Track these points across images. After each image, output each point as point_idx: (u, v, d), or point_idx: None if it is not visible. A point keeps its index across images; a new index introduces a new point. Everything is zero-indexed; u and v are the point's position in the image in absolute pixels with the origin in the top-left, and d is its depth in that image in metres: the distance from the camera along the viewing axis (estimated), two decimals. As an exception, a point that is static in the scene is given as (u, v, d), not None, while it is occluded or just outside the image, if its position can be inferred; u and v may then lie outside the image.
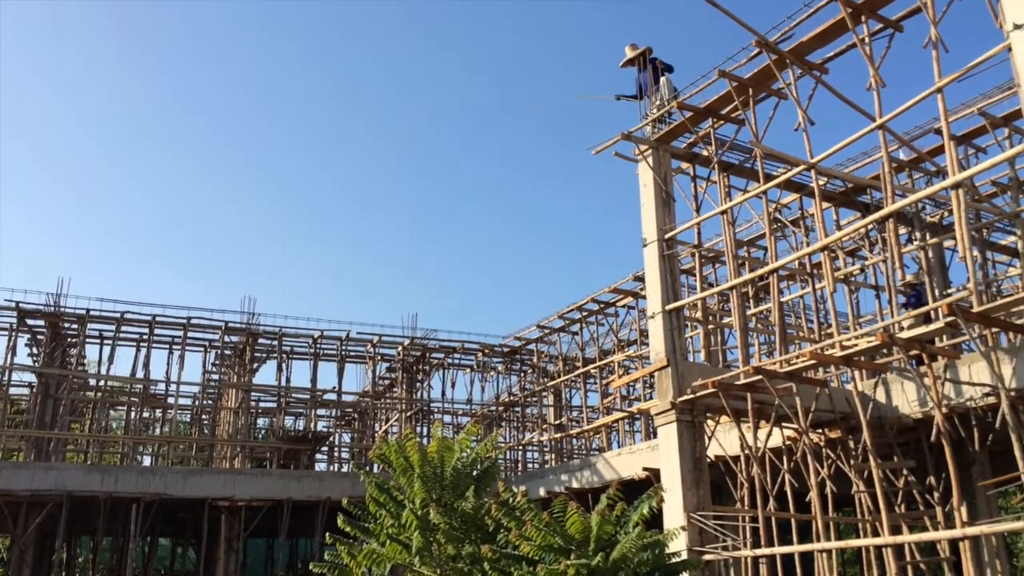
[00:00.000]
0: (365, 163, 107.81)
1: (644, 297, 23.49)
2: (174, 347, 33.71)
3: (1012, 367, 13.09)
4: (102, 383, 34.88)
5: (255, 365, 35.14)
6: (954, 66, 12.47)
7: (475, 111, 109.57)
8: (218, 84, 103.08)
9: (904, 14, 13.69)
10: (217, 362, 36.43)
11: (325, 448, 39.88)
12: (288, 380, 35.16)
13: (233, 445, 34.67)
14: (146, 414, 39.17)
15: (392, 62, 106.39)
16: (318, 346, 34.87)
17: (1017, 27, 10.95)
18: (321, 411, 38.97)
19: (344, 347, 35.40)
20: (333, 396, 36.19)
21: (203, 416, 39.58)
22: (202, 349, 35.13)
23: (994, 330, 14.57)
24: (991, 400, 13.06)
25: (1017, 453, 11.58)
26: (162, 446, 35.88)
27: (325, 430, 39.66)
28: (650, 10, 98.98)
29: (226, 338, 34.12)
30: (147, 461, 38.81)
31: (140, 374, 33.07)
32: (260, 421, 45.52)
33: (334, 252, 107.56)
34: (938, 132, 15.45)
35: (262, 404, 42.11)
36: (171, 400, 34.75)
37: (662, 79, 17.39)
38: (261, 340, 34.52)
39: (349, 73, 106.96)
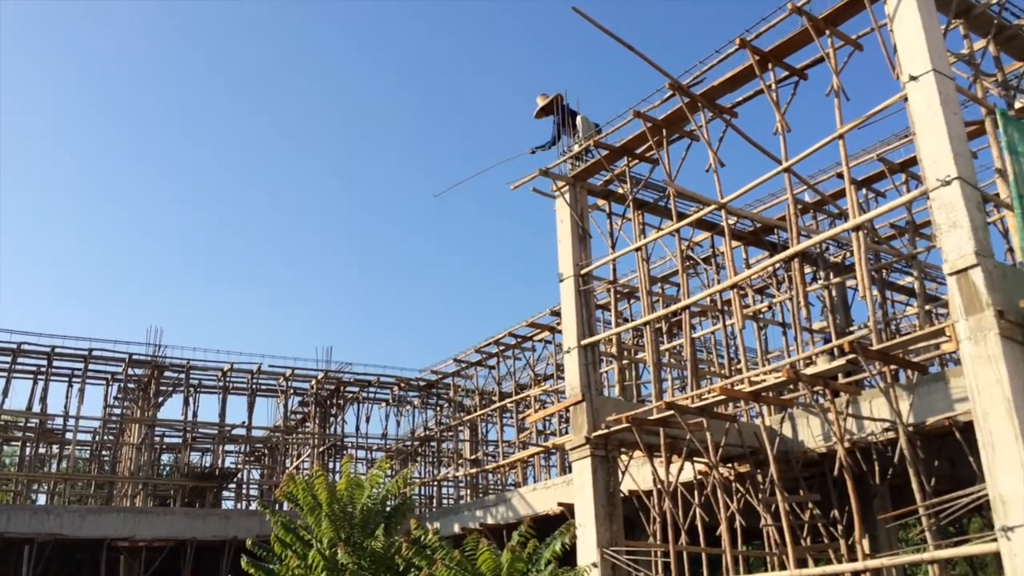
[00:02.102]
0: (278, 190, 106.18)
1: (561, 331, 23.67)
2: (74, 380, 32.37)
3: (909, 403, 13.60)
4: (-6, 417, 33.14)
5: (160, 399, 33.95)
6: (855, 114, 13.09)
7: (398, 144, 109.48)
8: (126, 107, 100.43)
9: (808, 63, 14.29)
10: (120, 395, 35.03)
11: (232, 485, 38.63)
12: (195, 414, 34.23)
13: (135, 482, 33.29)
14: (42, 450, 37.26)
15: (306, 77, 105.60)
16: (228, 379, 33.93)
17: (912, 78, 11.55)
18: (229, 447, 37.84)
19: (255, 380, 34.54)
20: (242, 431, 35.23)
21: (103, 452, 37.91)
22: (104, 382, 33.80)
23: (893, 367, 15.14)
24: (891, 435, 13.51)
25: (915, 487, 12.01)
26: (59, 484, 34.22)
27: (233, 467, 38.47)
28: (565, 54, 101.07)
29: (130, 371, 32.96)
30: (42, 500, 36.84)
31: (37, 408, 31.60)
32: (164, 457, 43.80)
33: (246, 283, 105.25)
34: (840, 176, 16.09)
35: (167, 439, 40.51)
36: (69, 435, 33.27)
37: (579, 117, 17.71)
38: (167, 373, 33.44)
39: (261, 94, 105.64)
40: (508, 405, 32.64)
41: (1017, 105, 14.11)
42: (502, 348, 32.31)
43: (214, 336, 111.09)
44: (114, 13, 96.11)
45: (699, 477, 15.54)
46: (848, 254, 19.46)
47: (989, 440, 9.97)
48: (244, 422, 34.74)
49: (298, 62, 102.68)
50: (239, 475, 38.89)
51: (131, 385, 34.68)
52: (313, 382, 35.17)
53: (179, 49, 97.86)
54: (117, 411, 35.58)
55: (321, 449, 34.91)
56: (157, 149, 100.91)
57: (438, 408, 38.69)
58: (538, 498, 23.31)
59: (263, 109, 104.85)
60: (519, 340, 31.56)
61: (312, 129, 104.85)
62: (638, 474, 16.09)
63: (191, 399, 33.86)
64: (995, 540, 9.88)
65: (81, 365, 31.67)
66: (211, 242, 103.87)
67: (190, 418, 33.93)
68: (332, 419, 35.99)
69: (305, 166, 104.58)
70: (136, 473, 33.33)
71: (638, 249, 16.70)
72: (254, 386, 34.58)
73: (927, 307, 17.58)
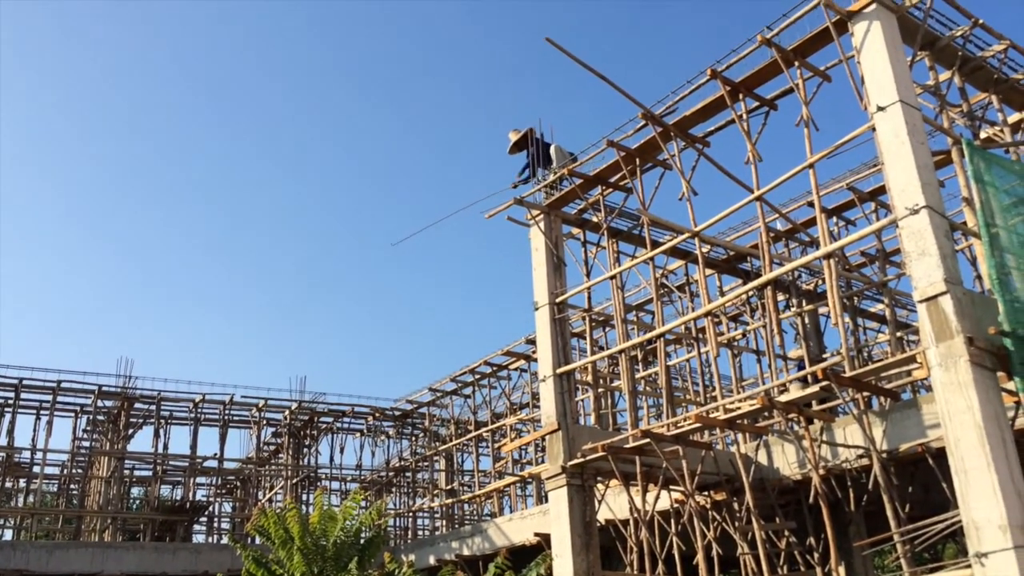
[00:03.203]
0: (252, 217, 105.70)
1: (536, 360, 23.64)
2: (42, 412, 31.80)
3: (882, 430, 13.68)
4: (-41, 451, 32.39)
5: (130, 431, 33.43)
6: (825, 143, 13.27)
7: (374, 170, 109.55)
8: (95, 130, 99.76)
9: (778, 94, 14.51)
10: (89, 428, 34.46)
11: (204, 519, 37.98)
12: (166, 447, 33.76)
13: (104, 517, 32.64)
14: (8, 484, 36.46)
15: (281, 102, 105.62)
16: (199, 411, 33.50)
17: (880, 109, 11.76)
18: (201, 479, 37.28)
19: (227, 411, 34.12)
20: (214, 463, 34.71)
21: (71, 486, 37.19)
22: (73, 414, 33.22)
23: (865, 394, 15.24)
24: (864, 462, 13.57)
25: (889, 513, 12.04)
26: (25, 518, 33.35)
27: (204, 500, 37.84)
28: (539, 84, 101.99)
29: (99, 403, 32.44)
30: (8, 535, 35.95)
31: (3, 441, 30.99)
32: (134, 490, 43.06)
33: (218, 312, 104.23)
34: (811, 204, 16.29)
35: (137, 472, 39.81)
36: (37, 469, 32.62)
37: (553, 147, 17.83)
38: (137, 404, 32.97)
39: (236, 116, 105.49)
40: (484, 434, 32.45)
41: (982, 135, 14.40)
42: (478, 377, 32.18)
43: (186, 367, 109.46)
44: (90, 28, 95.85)
45: (675, 505, 15.50)
46: (820, 282, 19.65)
47: (961, 466, 10.03)
48: (216, 454, 34.29)
49: (275, 85, 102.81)
50: (210, 508, 38.25)
51: (100, 417, 34.15)
52: (286, 413, 34.80)
53: (153, 64, 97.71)
54: (86, 444, 35.02)
55: (294, 481, 34.47)
56: (129, 176, 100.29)
57: (413, 438, 38.41)
58: (514, 528, 23.12)
59: (237, 132, 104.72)
60: (495, 369, 31.46)
61: (285, 154, 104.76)
62: (614, 503, 16.02)
63: (162, 431, 33.40)
64: (969, 567, 9.90)
65: (49, 397, 31.15)
66: (183, 272, 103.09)
67: (161, 450, 33.44)
68: (306, 450, 35.60)
69: (279, 192, 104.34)
70: (105, 507, 32.72)
71: (613, 277, 16.76)
72: (226, 417, 34.15)
73: (898, 334, 17.75)
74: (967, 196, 12.89)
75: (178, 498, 37.87)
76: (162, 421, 33.43)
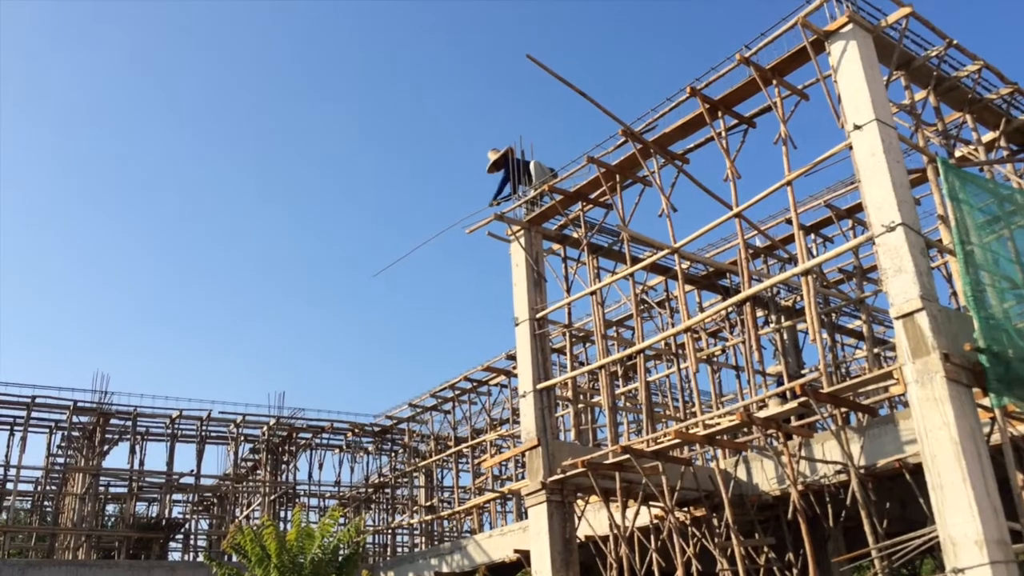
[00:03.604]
0: (229, 233, 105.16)
1: (516, 375, 23.62)
2: (15, 428, 31.34)
3: (860, 445, 13.76)
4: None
5: (106, 447, 33.00)
6: (803, 160, 13.41)
7: (349, 185, 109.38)
8: (65, 149, 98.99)
9: (757, 112, 14.65)
10: (63, 444, 33.98)
11: (180, 536, 37.51)
12: (142, 463, 33.40)
13: (78, 534, 32.15)
14: (-20, 501, 35.92)
15: (257, 119, 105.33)
16: (176, 426, 33.15)
17: (857, 128, 11.89)
18: (177, 496, 36.86)
19: (205, 427, 33.79)
20: (191, 480, 34.33)
21: (45, 503, 36.63)
22: (47, 430, 32.79)
23: (843, 410, 15.33)
24: (843, 477, 13.63)
25: (867, 529, 12.09)
26: (-3, 536, 32.87)
27: (181, 516, 37.43)
28: (521, 100, 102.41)
29: (74, 418, 32.00)
30: (-21, 554, 35.38)
31: (-25, 458, 30.47)
32: (109, 507, 42.47)
33: (195, 326, 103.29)
34: (789, 221, 16.41)
35: (112, 489, 39.28)
36: (10, 486, 32.09)
37: (533, 163, 17.88)
38: (113, 420, 32.55)
39: (210, 134, 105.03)
40: (464, 450, 32.31)
41: (957, 154, 14.59)
42: (458, 392, 32.05)
43: (162, 382, 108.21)
44: (78, 55, 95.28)
45: (655, 521, 15.49)
46: (799, 298, 19.79)
47: (938, 482, 10.09)
48: (192, 470, 33.90)
49: (256, 104, 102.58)
50: (187, 525, 37.82)
51: (75, 433, 33.68)
52: (265, 428, 34.51)
53: (129, 81, 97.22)
54: (60, 460, 34.51)
55: (272, 497, 34.13)
56: (104, 190, 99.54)
57: (392, 454, 38.15)
58: (494, 545, 22.99)
59: (216, 151, 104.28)
60: (475, 384, 31.34)
61: (260, 169, 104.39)
62: (594, 519, 15.98)
63: (138, 447, 33.06)
64: (947, 582, 9.95)
65: (23, 413, 30.70)
66: (160, 286, 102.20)
67: (136, 467, 33.08)
68: (284, 466, 35.28)
69: (256, 209, 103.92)
70: (79, 524, 32.22)
71: (593, 293, 16.79)
72: (203, 433, 33.82)
73: (876, 350, 17.88)
74: (942, 214, 13.04)
75: (154, 515, 37.43)
76: (138, 437, 33.07)
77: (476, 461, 32.56)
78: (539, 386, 16.23)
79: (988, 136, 15.13)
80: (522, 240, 17.27)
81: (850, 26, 12.29)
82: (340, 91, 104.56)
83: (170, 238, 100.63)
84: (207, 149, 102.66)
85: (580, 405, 20.81)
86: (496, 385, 31.24)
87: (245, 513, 35.02)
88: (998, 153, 15.04)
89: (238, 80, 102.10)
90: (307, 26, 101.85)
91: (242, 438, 35.37)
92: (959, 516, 9.78)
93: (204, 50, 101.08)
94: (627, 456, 14.08)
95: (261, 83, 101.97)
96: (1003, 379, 10.63)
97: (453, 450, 32.67)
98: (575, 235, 17.77)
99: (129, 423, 32.56)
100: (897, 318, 10.93)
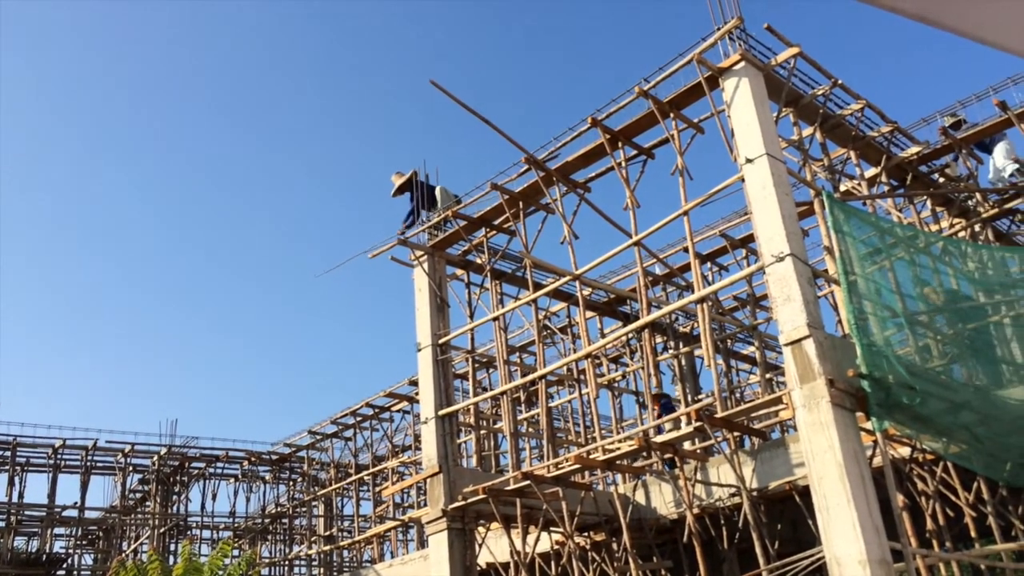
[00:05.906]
0: (115, 252, 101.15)
1: (419, 402, 23.41)
2: None
3: (752, 468, 14.15)
4: None
5: (-19, 479, 31.11)
6: (699, 191, 13.81)
7: (246, 202, 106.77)
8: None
9: (655, 143, 15.03)
10: (-67, 476, 31.86)
11: (62, 572, 35.52)
12: (21, 495, 31.60)
13: (-54, 573, 30.10)
14: None
15: (167, 137, 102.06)
16: (59, 456, 31.55)
17: (748, 161, 12.33)
18: (60, 530, 34.87)
19: (90, 457, 32.23)
20: (74, 512, 32.62)
21: (-90, 540, 34.15)
22: (-86, 462, 30.64)
23: (737, 434, 15.76)
24: (736, 500, 13.97)
25: (758, 550, 12.41)
26: None
27: (63, 552, 35.45)
28: (423, 126, 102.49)
29: (-54, 449, 30.04)
30: None
31: None
32: (-17, 543, 39.93)
33: (81, 351, 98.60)
34: (686, 250, 16.85)
35: (-12, 524, 37.06)
36: None
37: (438, 188, 17.86)
38: (-10, 451, 30.71)
39: (121, 153, 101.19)
40: (365, 478, 31.74)
41: (842, 188, 15.30)
42: (359, 419, 31.49)
43: (45, 410, 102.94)
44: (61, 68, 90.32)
45: (556, 547, 15.53)
46: (695, 324, 20.30)
47: (824, 503, 10.45)
48: (76, 503, 32.28)
49: (157, 126, 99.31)
50: (69, 561, 35.87)
51: (-53, 465, 31.67)
52: (155, 458, 33.10)
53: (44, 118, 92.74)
54: (-72, 494, 32.30)
55: (162, 530, 32.73)
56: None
57: (291, 483, 37.16)
58: (395, 574, 22.62)
59: (112, 169, 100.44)
60: (377, 411, 30.88)
61: (155, 182, 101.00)
62: (495, 546, 15.91)
63: (17, 478, 31.29)
64: (833, 601, 10.27)
65: None
66: (40, 307, 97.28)
67: (15, 499, 31.27)
68: (175, 497, 33.90)
69: (148, 228, 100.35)
70: (-51, 562, 30.20)
71: (496, 319, 16.83)
72: (88, 463, 32.27)
73: (767, 375, 18.47)
74: (828, 245, 13.61)
75: (34, 550, 35.35)
76: (17, 468, 31.30)
77: (377, 489, 32.01)
78: (441, 412, 16.13)
79: (871, 172, 15.92)
80: (425, 265, 17.21)
81: (742, 64, 12.77)
82: (235, 106, 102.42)
83: (48, 249, 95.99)
84: (84, 148, 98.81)
85: (483, 431, 20.75)
86: (398, 411, 30.85)
87: (133, 547, 33.46)
88: (879, 188, 15.84)
89: (151, 106, 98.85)
90: (203, 56, 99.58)
91: (131, 468, 33.86)
92: (843, 536, 10.13)
93: (106, 76, 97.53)
94: (528, 482, 14.10)
95: (144, 83, 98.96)
96: (884, 404, 11.11)
97: (354, 478, 32.05)
98: (479, 261, 17.81)
99: (8, 453, 30.82)
100: (786, 345, 11.32)
